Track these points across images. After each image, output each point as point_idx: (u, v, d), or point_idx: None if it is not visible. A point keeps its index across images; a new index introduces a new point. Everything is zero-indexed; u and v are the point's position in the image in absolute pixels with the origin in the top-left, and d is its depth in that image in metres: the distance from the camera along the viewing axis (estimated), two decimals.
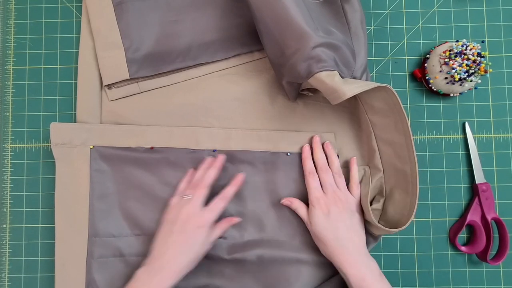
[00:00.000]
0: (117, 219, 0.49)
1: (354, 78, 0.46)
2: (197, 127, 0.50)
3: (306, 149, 0.49)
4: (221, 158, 0.48)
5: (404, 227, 0.44)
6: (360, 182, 0.50)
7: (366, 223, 0.48)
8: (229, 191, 0.47)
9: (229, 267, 0.48)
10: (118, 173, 0.49)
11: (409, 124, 0.44)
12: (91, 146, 0.48)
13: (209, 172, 0.47)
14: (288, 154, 0.49)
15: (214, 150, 0.49)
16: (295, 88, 0.48)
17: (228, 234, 0.49)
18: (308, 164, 0.49)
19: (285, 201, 0.49)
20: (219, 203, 0.45)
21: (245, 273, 0.48)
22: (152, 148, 0.49)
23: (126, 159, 0.49)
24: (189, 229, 0.43)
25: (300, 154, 0.50)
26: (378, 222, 0.47)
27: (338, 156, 0.50)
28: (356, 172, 0.49)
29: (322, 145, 0.50)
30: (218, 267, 0.48)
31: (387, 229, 0.45)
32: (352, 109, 0.51)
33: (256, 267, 0.48)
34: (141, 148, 0.49)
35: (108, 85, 0.50)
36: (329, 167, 0.49)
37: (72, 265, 0.48)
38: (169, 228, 0.44)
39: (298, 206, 0.48)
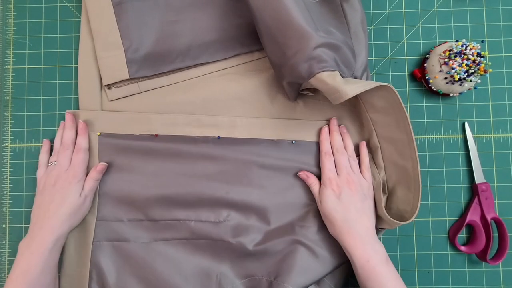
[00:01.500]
0: (123, 204, 0.50)
1: (355, 77, 0.46)
2: (201, 115, 0.50)
3: (325, 130, 0.50)
4: (69, 116, 0.50)
5: (409, 221, 0.45)
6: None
7: None
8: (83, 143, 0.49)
9: (232, 251, 0.48)
10: (124, 159, 0.50)
11: (410, 122, 0.44)
12: (98, 133, 0.49)
13: (65, 134, 0.49)
14: (293, 142, 0.50)
15: (218, 137, 0.49)
16: (295, 89, 0.48)
17: (232, 217, 0.49)
18: (326, 145, 0.49)
19: (302, 174, 0.50)
20: (77, 157, 0.48)
21: (248, 256, 0.48)
22: (156, 135, 0.49)
23: (131, 146, 0.50)
24: (58, 187, 0.46)
25: (304, 142, 0.50)
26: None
27: None
28: (366, 156, 0.50)
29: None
30: (222, 250, 0.49)
31: (396, 221, 0.45)
32: (352, 107, 0.51)
33: (259, 251, 0.48)
34: (145, 135, 0.49)
35: (108, 85, 0.50)
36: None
37: (78, 247, 0.49)
38: (41, 197, 0.46)
39: (313, 183, 0.49)
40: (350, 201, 0.46)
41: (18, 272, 0.42)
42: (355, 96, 0.47)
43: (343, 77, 0.42)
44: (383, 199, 0.49)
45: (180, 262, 0.48)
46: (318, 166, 0.50)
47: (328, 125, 0.50)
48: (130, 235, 0.49)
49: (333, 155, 0.49)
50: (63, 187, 0.46)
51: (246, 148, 0.50)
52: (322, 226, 0.49)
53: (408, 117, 0.44)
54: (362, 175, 0.49)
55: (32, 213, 0.47)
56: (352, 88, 0.40)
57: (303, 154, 0.50)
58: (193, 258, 0.48)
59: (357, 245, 0.43)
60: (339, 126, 0.51)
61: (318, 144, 0.50)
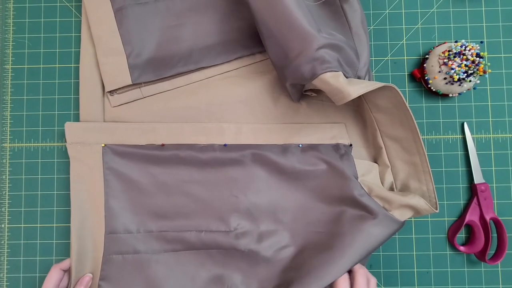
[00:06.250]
0: (131, 216, 0.49)
1: (359, 77, 0.46)
2: (207, 122, 0.50)
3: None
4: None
5: (437, 211, 0.45)
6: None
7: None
8: None
9: (244, 259, 0.48)
10: (130, 171, 0.49)
11: (414, 120, 0.44)
12: (103, 145, 0.49)
13: None
14: (300, 145, 0.49)
15: (225, 145, 0.49)
16: (298, 90, 0.48)
17: (242, 226, 0.48)
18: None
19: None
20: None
21: (260, 264, 0.48)
22: (163, 145, 0.49)
23: (137, 156, 0.49)
24: None
25: (310, 145, 0.49)
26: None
27: (351, 145, 0.50)
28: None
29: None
30: (233, 259, 0.48)
31: (432, 208, 0.44)
32: (355, 107, 0.51)
33: (270, 259, 0.47)
34: (151, 145, 0.49)
35: (110, 91, 0.50)
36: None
37: (88, 261, 0.48)
38: None
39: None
40: None
41: None
42: (359, 96, 0.47)
43: (346, 77, 0.42)
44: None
45: (191, 272, 0.48)
46: (322, 167, 0.49)
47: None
48: (140, 247, 0.48)
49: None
50: None
51: (253, 153, 0.49)
52: (336, 233, 0.47)
53: (413, 116, 0.44)
54: None
55: None
56: (355, 89, 0.40)
57: (309, 157, 0.49)
58: (204, 268, 0.48)
59: None
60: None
61: (323, 146, 0.49)
